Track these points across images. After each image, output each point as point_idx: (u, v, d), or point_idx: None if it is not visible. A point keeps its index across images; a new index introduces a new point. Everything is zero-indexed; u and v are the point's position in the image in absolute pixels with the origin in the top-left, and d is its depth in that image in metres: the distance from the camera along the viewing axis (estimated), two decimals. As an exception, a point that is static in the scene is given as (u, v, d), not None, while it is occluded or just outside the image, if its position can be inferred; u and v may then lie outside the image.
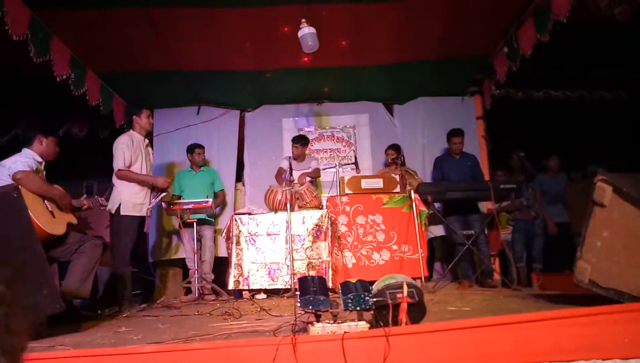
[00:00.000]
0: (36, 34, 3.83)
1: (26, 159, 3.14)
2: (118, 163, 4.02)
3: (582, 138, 6.39)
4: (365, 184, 4.67)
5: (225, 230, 4.59)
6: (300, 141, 5.36)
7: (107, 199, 3.96)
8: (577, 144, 6.32)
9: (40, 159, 3.27)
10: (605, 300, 2.27)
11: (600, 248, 2.34)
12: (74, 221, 3.34)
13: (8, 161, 3.09)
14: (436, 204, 4.89)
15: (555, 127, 6.26)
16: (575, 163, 5.71)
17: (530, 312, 2.02)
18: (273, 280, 4.36)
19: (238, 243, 4.45)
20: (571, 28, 3.86)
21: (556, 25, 3.92)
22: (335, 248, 4.40)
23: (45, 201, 3.12)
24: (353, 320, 1.92)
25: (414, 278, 2.76)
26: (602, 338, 1.70)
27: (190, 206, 4.51)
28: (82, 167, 6.70)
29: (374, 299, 1.95)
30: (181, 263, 5.46)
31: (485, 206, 5.34)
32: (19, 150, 3.30)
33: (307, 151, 5.59)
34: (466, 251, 4.46)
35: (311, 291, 1.97)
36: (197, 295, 4.48)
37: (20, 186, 2.82)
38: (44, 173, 3.31)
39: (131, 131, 4.30)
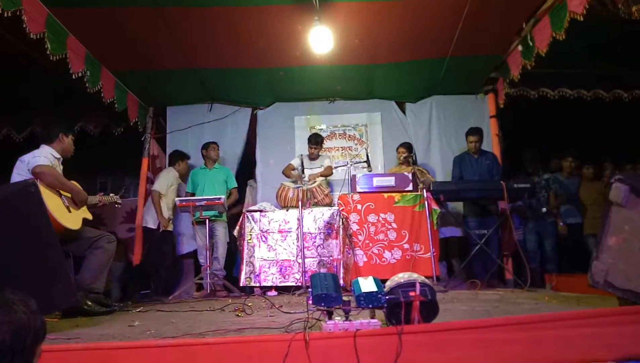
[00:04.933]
0: (53, 31, 3.89)
1: (45, 155, 3.19)
2: (157, 186, 5.20)
3: (597, 138, 6.30)
4: (377, 182, 4.65)
5: (237, 227, 4.62)
6: (317, 142, 5.36)
7: (122, 197, 4.01)
8: (592, 143, 6.23)
9: (58, 156, 3.32)
10: (621, 301, 2.24)
11: (617, 249, 2.30)
12: (90, 217, 3.38)
13: (27, 157, 3.15)
14: (449, 204, 4.86)
15: (570, 126, 6.18)
16: (591, 162, 5.62)
17: (544, 312, 2.00)
18: (284, 277, 4.38)
19: (250, 240, 4.48)
20: (588, 26, 3.80)
21: (572, 23, 3.86)
22: (346, 246, 4.40)
23: (62, 196, 3.16)
24: (365, 318, 1.92)
25: (426, 277, 2.75)
26: (618, 339, 1.67)
27: (202, 203, 4.54)
28: (96, 163, 6.78)
29: (387, 297, 1.94)
30: (194, 259, 5.52)
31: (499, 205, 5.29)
32: (35, 146, 3.36)
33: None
34: (480, 251, 4.43)
35: (323, 287, 1.98)
36: (208, 291, 4.51)
37: (38, 181, 2.88)
38: (61, 168, 3.36)
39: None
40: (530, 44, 4.55)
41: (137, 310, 3.46)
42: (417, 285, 1.93)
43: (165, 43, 4.68)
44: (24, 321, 0.96)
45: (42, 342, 1.02)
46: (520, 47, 4.81)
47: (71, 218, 3.14)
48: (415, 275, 2.07)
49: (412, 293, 1.92)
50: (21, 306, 0.99)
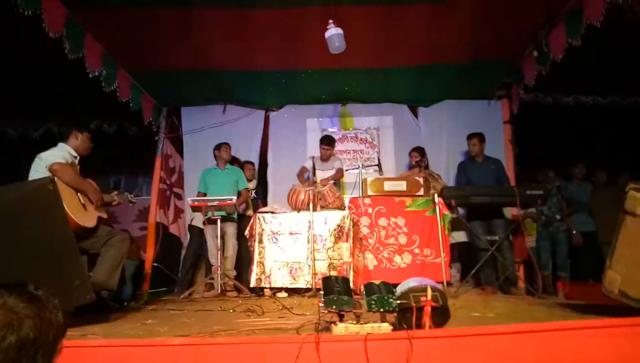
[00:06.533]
0: (71, 31, 3.95)
1: (62, 153, 3.24)
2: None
3: (612, 145, 6.24)
4: (388, 186, 4.64)
5: (248, 228, 4.65)
6: (329, 142, 5.37)
7: (135, 196, 4.07)
8: (607, 151, 6.17)
9: (75, 154, 3.38)
10: (635, 311, 2.22)
11: (632, 258, 2.28)
12: (104, 215, 3.43)
13: (45, 154, 3.21)
14: (460, 209, 4.84)
15: (585, 133, 6.12)
16: (605, 170, 5.56)
17: (557, 321, 1.99)
18: (294, 279, 4.39)
19: (261, 241, 4.50)
20: (604, 32, 3.77)
21: (589, 29, 3.84)
22: (356, 249, 4.39)
23: (78, 194, 3.22)
24: (376, 322, 1.92)
25: (436, 283, 2.74)
26: (632, 350, 1.66)
27: (214, 204, 4.57)
28: (110, 162, 6.86)
29: (398, 301, 1.95)
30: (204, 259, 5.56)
31: (510, 212, 5.26)
32: (51, 144, 3.42)
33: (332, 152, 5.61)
34: (490, 257, 4.40)
35: (335, 291, 1.99)
36: (219, 291, 4.54)
37: (55, 178, 2.93)
38: (78, 167, 3.41)
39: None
40: (546, 50, 4.53)
41: (150, 308, 3.50)
42: (429, 291, 1.93)
43: (180, 44, 4.74)
44: (47, 316, 0.99)
45: (63, 338, 1.04)
46: (535, 53, 4.79)
47: (87, 216, 3.19)
48: (426, 280, 2.07)
49: (423, 299, 1.92)
50: (44, 301, 1.01)
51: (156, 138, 6.00)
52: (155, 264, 5.41)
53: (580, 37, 3.95)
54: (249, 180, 5.60)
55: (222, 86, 5.76)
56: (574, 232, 5.16)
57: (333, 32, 4.23)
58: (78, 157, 3.42)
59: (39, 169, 3.14)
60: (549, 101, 5.66)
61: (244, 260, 5.10)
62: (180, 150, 6.31)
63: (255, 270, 4.44)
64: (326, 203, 4.71)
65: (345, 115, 6.32)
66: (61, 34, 3.83)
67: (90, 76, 4.36)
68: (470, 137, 5.11)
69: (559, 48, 4.27)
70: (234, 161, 5.57)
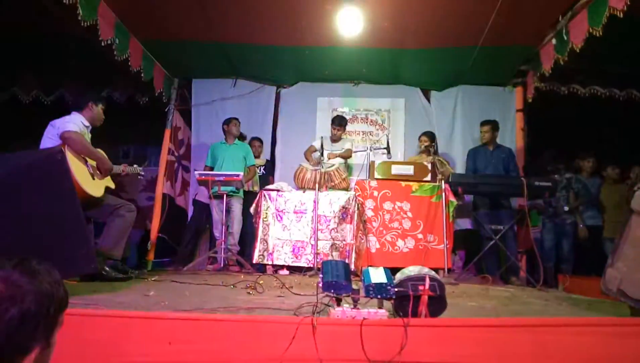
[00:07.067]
0: (84, -2, 3.91)
1: (75, 122, 3.27)
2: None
3: (627, 139, 6.13)
4: (395, 170, 4.63)
5: (254, 205, 4.68)
6: (340, 123, 5.33)
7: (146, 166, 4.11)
8: (621, 145, 6.06)
9: (87, 124, 3.40)
10: (633, 311, 2.22)
11: (634, 258, 2.27)
12: (112, 185, 3.47)
13: (58, 121, 3.23)
14: (466, 197, 4.82)
15: (599, 126, 6.01)
16: (617, 165, 5.48)
17: (553, 314, 2.00)
18: (297, 258, 4.44)
19: (265, 218, 4.54)
20: (627, 22, 3.66)
21: (612, 18, 3.72)
22: (360, 231, 4.42)
23: (88, 163, 3.25)
24: (373, 308, 1.94)
25: (437, 269, 2.77)
26: (626, 350, 1.67)
27: (221, 179, 4.60)
28: (120, 132, 6.88)
29: (396, 289, 1.97)
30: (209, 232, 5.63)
31: (517, 201, 5.22)
32: (63, 110, 3.44)
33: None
34: (493, 246, 4.40)
35: (334, 275, 2.01)
36: (222, 265, 4.61)
37: (66, 146, 2.96)
38: (89, 137, 3.44)
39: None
40: (565, 38, 4.41)
41: (153, 279, 3.56)
42: (427, 280, 1.94)
43: (194, 15, 4.67)
44: (48, 290, 1.01)
45: (64, 311, 1.07)
46: (554, 41, 4.67)
47: (95, 186, 3.23)
48: (425, 270, 2.08)
49: (421, 287, 1.93)
50: (46, 276, 1.03)
51: (166, 110, 5.99)
52: (160, 235, 5.49)
53: (602, 27, 3.84)
54: (256, 157, 5.60)
55: (234, 59, 5.70)
56: (581, 226, 5.13)
57: (348, 10, 4.16)
58: (90, 127, 3.44)
59: (51, 136, 3.18)
60: (564, 91, 5.54)
61: (248, 236, 5.16)
62: (189, 123, 6.32)
63: (258, 246, 4.50)
64: (332, 183, 4.72)
65: (357, 95, 6.25)
66: (75, 1, 3.79)
67: (102, 43, 4.33)
68: (483, 124, 5.07)
69: (579, 37, 4.16)
70: (240, 136, 5.56)
